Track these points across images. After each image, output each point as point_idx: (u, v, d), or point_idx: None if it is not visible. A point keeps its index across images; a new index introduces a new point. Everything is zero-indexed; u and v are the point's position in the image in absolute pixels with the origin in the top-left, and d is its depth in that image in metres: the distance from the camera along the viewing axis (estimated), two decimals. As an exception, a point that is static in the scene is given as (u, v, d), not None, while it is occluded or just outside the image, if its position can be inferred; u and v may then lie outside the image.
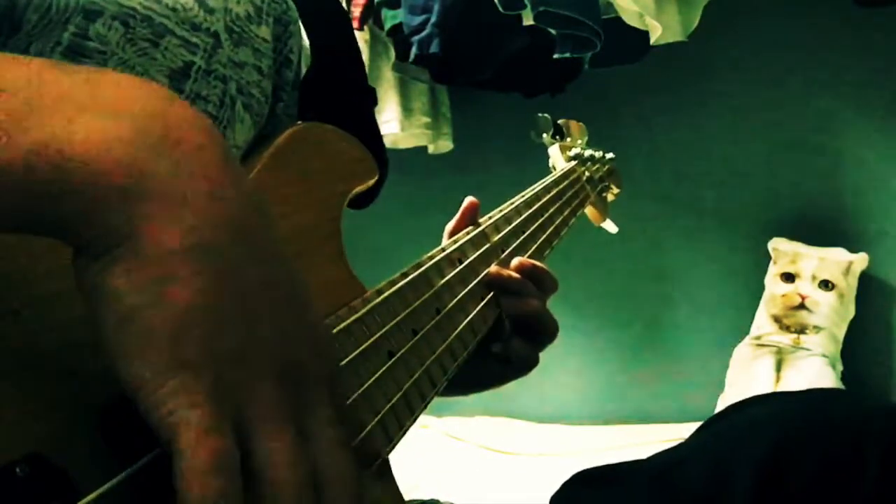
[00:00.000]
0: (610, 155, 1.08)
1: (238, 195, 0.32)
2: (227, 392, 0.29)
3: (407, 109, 2.12)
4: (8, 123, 0.28)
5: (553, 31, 1.70)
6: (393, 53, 2.02)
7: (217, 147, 0.32)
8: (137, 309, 0.28)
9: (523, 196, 0.80)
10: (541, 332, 0.69)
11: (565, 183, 0.90)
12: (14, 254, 0.32)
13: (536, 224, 0.79)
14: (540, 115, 1.01)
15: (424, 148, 2.24)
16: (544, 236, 0.79)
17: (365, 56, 2.03)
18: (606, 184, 1.06)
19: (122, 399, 0.31)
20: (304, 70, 0.66)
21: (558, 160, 0.99)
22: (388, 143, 2.18)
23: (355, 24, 1.90)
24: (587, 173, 0.99)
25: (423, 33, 1.79)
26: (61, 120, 0.29)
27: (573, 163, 0.97)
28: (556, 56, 1.72)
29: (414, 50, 1.81)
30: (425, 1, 1.78)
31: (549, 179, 0.88)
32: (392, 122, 2.08)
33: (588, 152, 1.02)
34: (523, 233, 0.75)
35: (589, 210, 1.01)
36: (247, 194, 0.33)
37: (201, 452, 0.27)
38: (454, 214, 0.73)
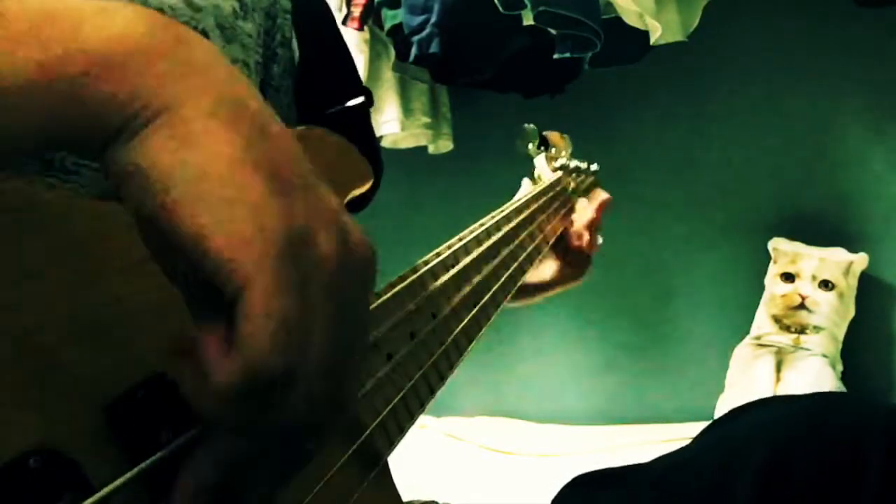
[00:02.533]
0: (594, 167, 1.09)
1: (249, 85, 0.33)
2: (294, 242, 0.29)
3: (407, 109, 2.12)
4: (22, 34, 0.28)
5: (553, 31, 1.70)
6: (393, 53, 2.02)
7: (221, 55, 0.33)
8: (187, 162, 0.28)
9: (512, 204, 0.82)
10: None
11: (552, 193, 0.92)
12: (18, 246, 0.32)
13: (526, 232, 0.80)
14: (526, 125, 1.02)
15: (424, 148, 2.24)
16: (533, 245, 0.81)
17: (365, 56, 2.03)
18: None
19: (128, 392, 0.32)
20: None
21: (544, 170, 1.00)
22: (388, 143, 2.18)
23: (355, 25, 1.90)
24: (572, 184, 1.00)
25: (423, 33, 1.79)
26: (71, 22, 0.29)
27: (559, 173, 0.98)
28: (556, 56, 1.72)
29: (414, 50, 1.81)
30: (425, 1, 1.78)
31: (536, 189, 0.90)
32: (392, 122, 2.08)
33: (573, 163, 1.03)
34: (514, 241, 0.77)
35: None
36: (251, 85, 0.33)
37: (270, 309, 0.27)
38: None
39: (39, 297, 0.31)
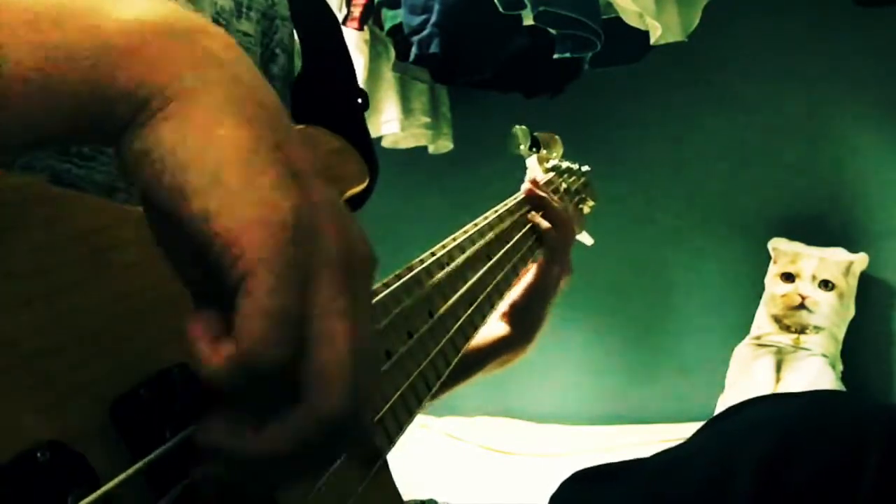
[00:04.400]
0: (586, 168, 1.10)
1: (262, 78, 0.32)
2: (302, 235, 0.29)
3: (407, 109, 2.12)
4: (39, 18, 0.28)
5: (553, 31, 1.70)
6: (393, 53, 2.02)
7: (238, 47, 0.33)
8: (200, 148, 0.28)
9: (506, 205, 0.82)
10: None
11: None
12: (25, 244, 0.32)
13: (521, 233, 0.81)
14: (517, 126, 1.02)
15: (424, 148, 2.24)
16: (527, 245, 0.82)
17: (365, 56, 2.03)
18: (583, 196, 1.07)
19: (133, 388, 0.32)
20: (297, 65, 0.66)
21: (536, 171, 1.00)
22: (388, 143, 2.18)
23: (355, 25, 1.90)
24: (564, 185, 1.00)
25: (423, 33, 1.79)
26: (87, 9, 0.29)
27: (551, 174, 0.98)
28: (556, 56, 1.72)
29: (414, 50, 1.81)
30: (425, 1, 1.78)
31: None
32: (392, 122, 2.08)
33: (565, 164, 1.04)
34: (508, 241, 0.77)
35: None
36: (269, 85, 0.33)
37: (271, 301, 0.27)
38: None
39: (41, 297, 0.31)
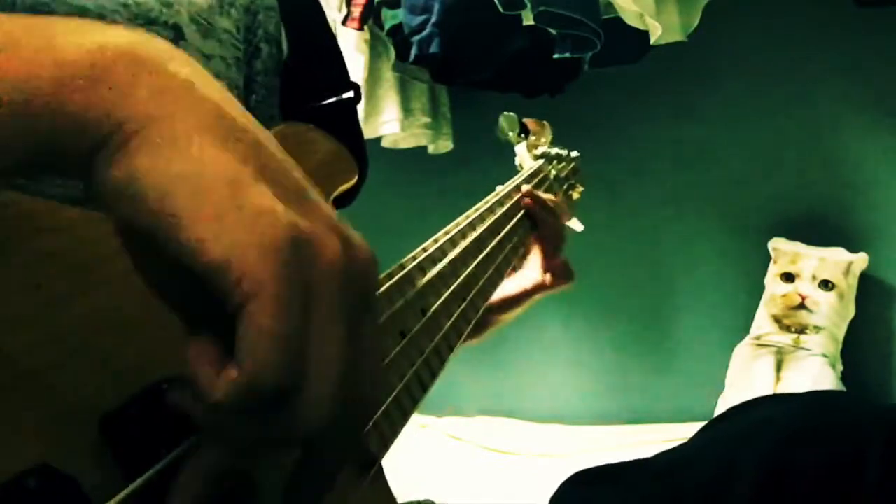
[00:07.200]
0: (574, 153, 1.09)
1: (235, 100, 0.31)
2: (300, 248, 0.28)
3: (407, 109, 2.12)
4: None
5: (553, 31, 1.70)
6: (393, 53, 2.02)
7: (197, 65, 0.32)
8: (183, 173, 0.27)
9: (497, 195, 0.81)
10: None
11: (535, 181, 0.91)
12: (9, 260, 0.32)
13: (512, 222, 0.80)
14: (505, 113, 1.02)
15: (424, 148, 2.24)
16: (518, 234, 0.81)
17: (365, 56, 2.03)
18: (572, 182, 1.06)
19: (123, 406, 0.32)
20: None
21: (525, 159, 0.99)
22: (388, 143, 2.18)
23: (355, 25, 1.90)
24: (554, 172, 0.99)
25: (423, 33, 1.79)
26: (45, 37, 0.28)
27: (541, 161, 0.98)
28: (555, 56, 1.72)
29: (414, 50, 1.81)
30: (425, 1, 1.78)
31: (519, 178, 0.89)
32: (392, 122, 2.08)
33: (554, 150, 1.03)
34: (499, 232, 0.76)
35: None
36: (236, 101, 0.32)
37: (273, 325, 0.27)
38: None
39: (26, 315, 0.31)
